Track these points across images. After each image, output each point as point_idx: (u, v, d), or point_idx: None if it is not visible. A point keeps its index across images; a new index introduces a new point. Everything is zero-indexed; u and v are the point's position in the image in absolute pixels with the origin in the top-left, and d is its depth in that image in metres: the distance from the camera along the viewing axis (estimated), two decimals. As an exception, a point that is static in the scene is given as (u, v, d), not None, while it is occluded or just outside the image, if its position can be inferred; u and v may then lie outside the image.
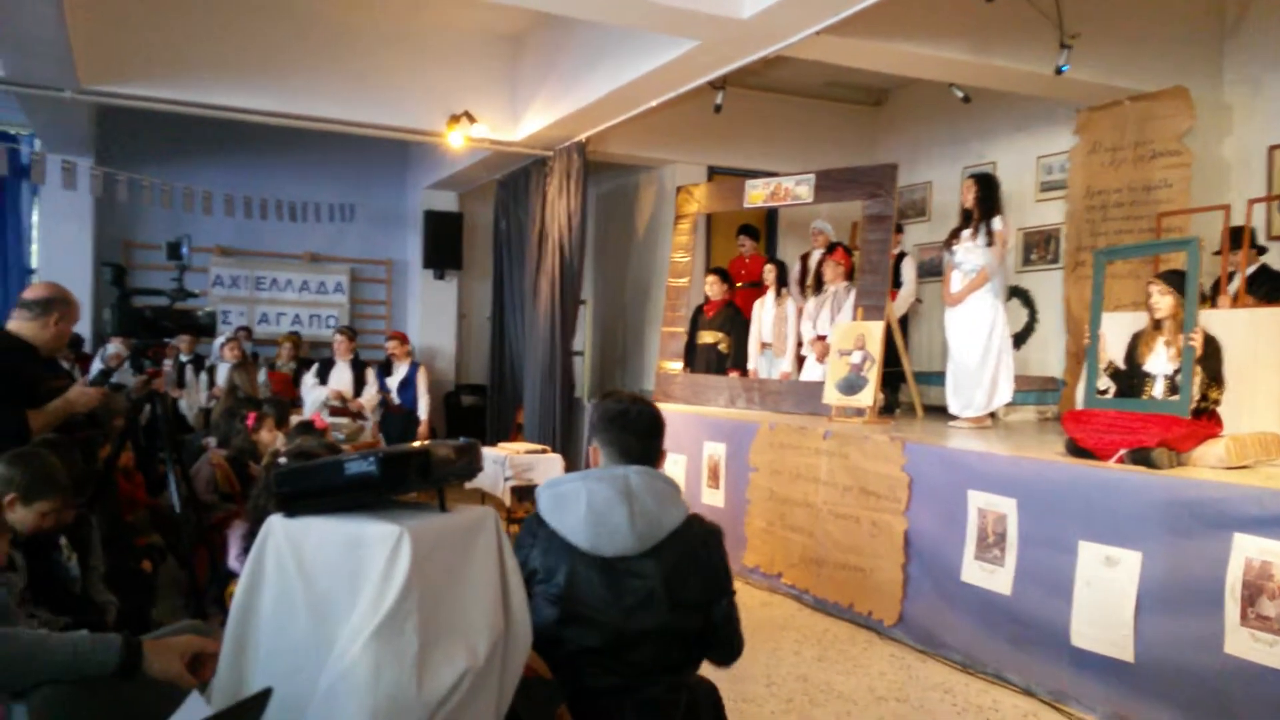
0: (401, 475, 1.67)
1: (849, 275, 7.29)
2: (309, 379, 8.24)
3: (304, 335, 10.19)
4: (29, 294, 3.89)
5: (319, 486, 1.67)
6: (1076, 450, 4.41)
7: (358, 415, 8.04)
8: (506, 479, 6.85)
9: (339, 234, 10.91)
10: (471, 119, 8.09)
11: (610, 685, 2.08)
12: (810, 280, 8.01)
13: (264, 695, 1.31)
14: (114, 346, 7.82)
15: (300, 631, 1.61)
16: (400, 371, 8.56)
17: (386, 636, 1.52)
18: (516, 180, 9.74)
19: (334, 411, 7.83)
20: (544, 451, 7.25)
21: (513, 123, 8.47)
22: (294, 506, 1.68)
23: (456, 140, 8.18)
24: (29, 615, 2.74)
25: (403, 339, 8.74)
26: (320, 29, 7.82)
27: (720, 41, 5.72)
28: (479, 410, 10.73)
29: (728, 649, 2.33)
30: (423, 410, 8.49)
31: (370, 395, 8.29)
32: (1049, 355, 8.18)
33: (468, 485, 6.57)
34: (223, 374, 8.10)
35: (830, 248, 7.62)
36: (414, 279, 11.40)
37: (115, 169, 8.31)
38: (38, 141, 9.19)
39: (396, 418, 8.37)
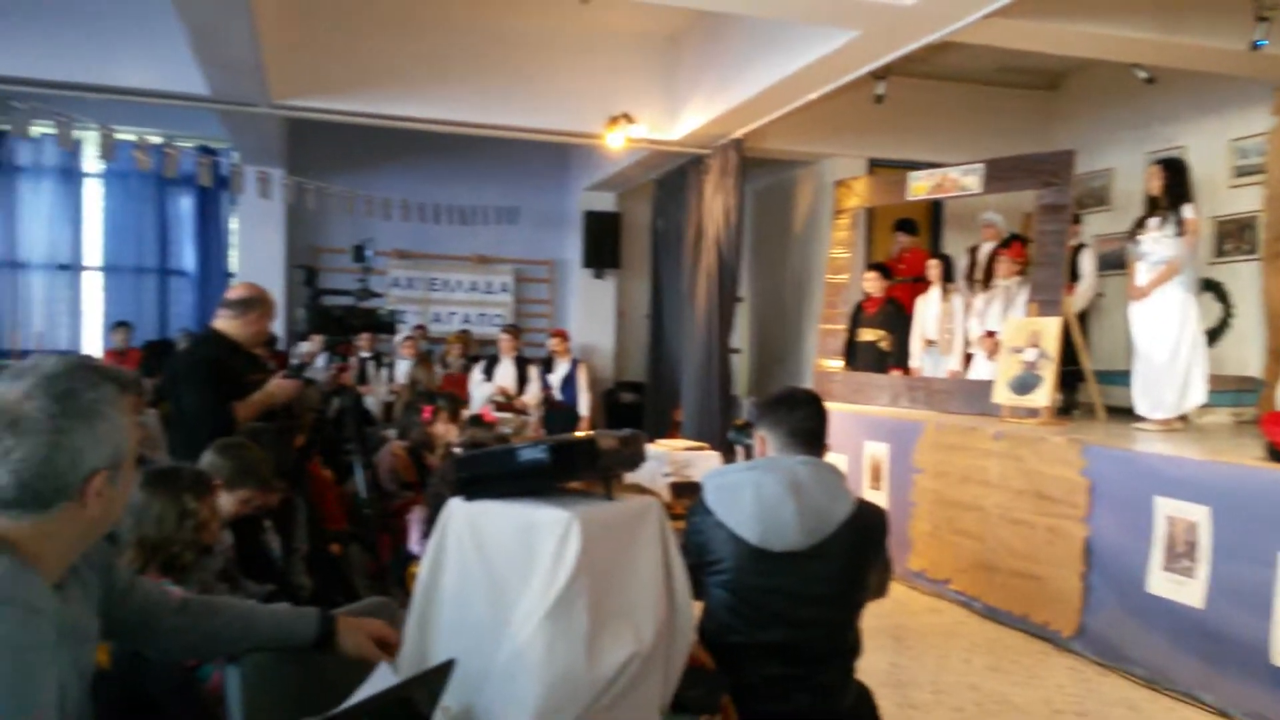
0: (570, 463, 1.73)
1: (1023, 271, 6.98)
2: (476, 376, 8.60)
3: (473, 334, 10.63)
4: (231, 294, 4.22)
5: (494, 471, 1.75)
6: (1278, 455, 4.07)
7: (521, 412, 8.32)
8: (665, 475, 6.92)
9: (504, 236, 11.30)
10: (630, 120, 8.21)
11: (779, 675, 2.09)
12: (979, 274, 7.70)
13: (447, 666, 1.39)
14: (307, 345, 8.43)
15: (479, 609, 1.69)
16: (561, 369, 8.80)
17: (558, 617, 1.58)
18: (673, 179, 9.82)
19: (499, 407, 8.14)
20: (702, 449, 7.28)
21: (670, 122, 8.54)
22: (472, 490, 1.77)
23: (616, 141, 8.33)
24: (233, 589, 2.98)
25: (564, 336, 8.98)
26: (486, 39, 8.13)
27: (881, 30, 5.58)
28: (637, 408, 10.88)
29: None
30: (584, 406, 8.70)
31: (533, 392, 8.56)
32: (1246, 353, 7.55)
33: (627, 480, 6.68)
34: (401, 370, 8.56)
35: (1005, 242, 7.31)
36: (574, 278, 11.68)
37: (304, 178, 8.91)
38: (236, 154, 9.97)
39: (559, 414, 8.61)
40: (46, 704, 1.33)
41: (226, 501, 3.13)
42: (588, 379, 8.94)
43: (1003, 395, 6.14)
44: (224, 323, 4.12)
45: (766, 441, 2.31)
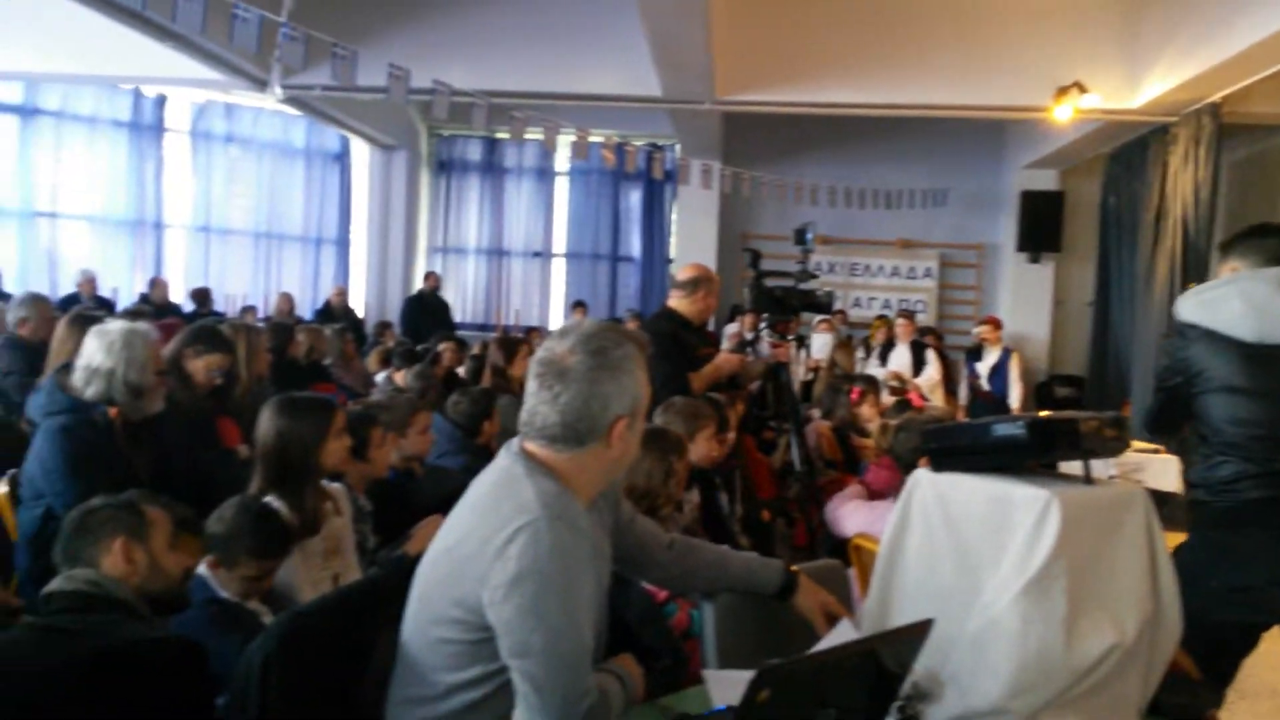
0: (1049, 442, 1.69)
1: None
2: (871, 360, 8.55)
3: (893, 320, 10.51)
4: (681, 275, 4.62)
5: (966, 445, 1.76)
6: None
7: (923, 398, 8.10)
8: (1111, 478, 6.33)
9: (930, 219, 11.00)
10: (1082, 89, 7.57)
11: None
12: None
13: (925, 625, 1.44)
14: (733, 325, 8.93)
15: (945, 576, 1.72)
16: (991, 357, 8.40)
17: (1035, 595, 1.56)
18: (1130, 152, 8.87)
19: (892, 392, 7.98)
20: (1156, 452, 6.54)
21: (1129, 89, 7.73)
22: (941, 462, 1.80)
23: (1064, 114, 7.72)
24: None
25: (995, 324, 8.56)
26: (920, 16, 7.96)
27: None
28: (1074, 403, 10.05)
29: None
30: (1014, 398, 8.23)
31: (928, 376, 8.31)
32: None
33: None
34: (815, 348, 8.73)
35: None
36: (1006, 263, 11.05)
37: (738, 168, 9.41)
38: (678, 149, 10.79)
39: (985, 405, 8.23)
40: (586, 606, 1.60)
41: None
42: (1019, 369, 8.44)
43: None
44: (676, 301, 4.52)
45: (1238, 270, 2.47)
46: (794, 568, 2.14)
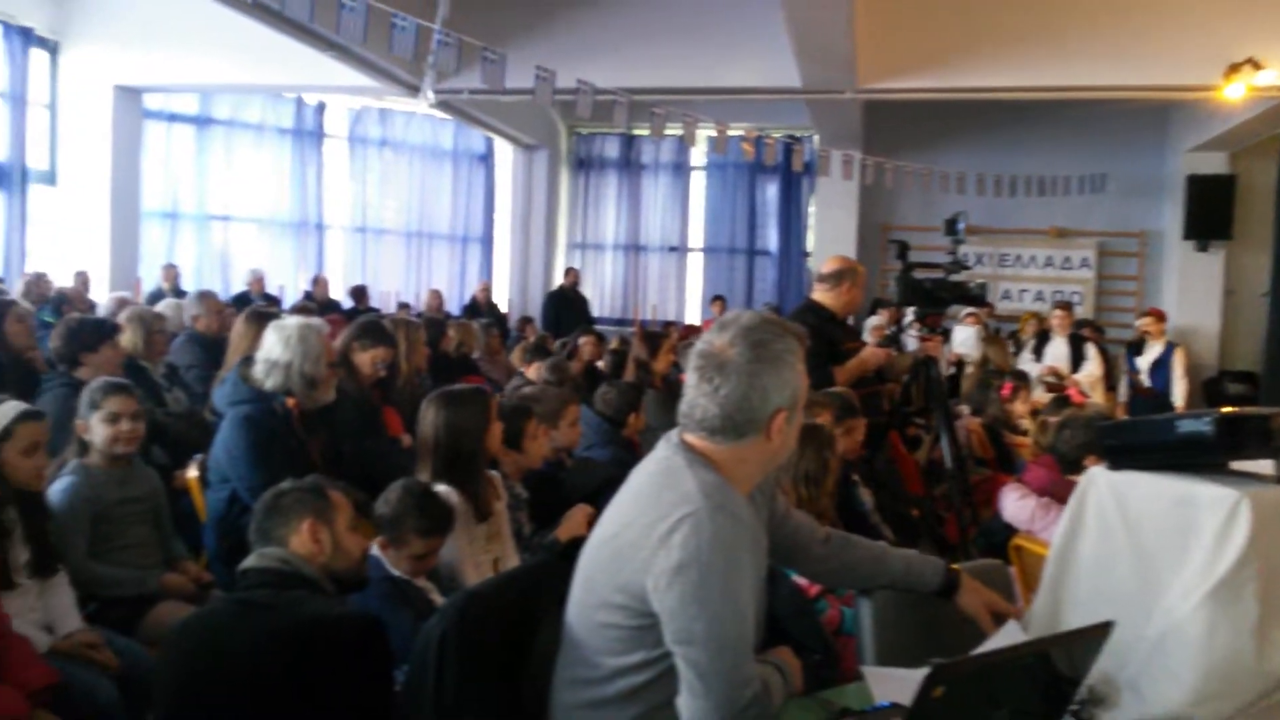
0: (1238, 439, 1.60)
1: None
2: (1025, 355, 8.18)
3: (1044, 313, 10.06)
4: (825, 268, 4.56)
5: (1147, 443, 1.68)
6: None
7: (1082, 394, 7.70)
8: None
9: (1086, 206, 10.47)
10: (1256, 65, 7.05)
11: None
12: None
13: (1104, 628, 1.39)
14: (875, 319, 8.75)
15: (1122, 578, 1.65)
16: (1153, 351, 7.93)
17: (1223, 599, 1.48)
18: (1313, 131, 8.21)
19: (1049, 388, 7.61)
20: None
21: (1313, 62, 7.15)
22: (1118, 460, 1.73)
23: (1235, 92, 7.21)
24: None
25: (1159, 316, 8.08)
26: (1083, -4, 7.59)
27: None
28: (1247, 400, 9.36)
29: None
30: (1178, 395, 7.75)
31: (1088, 372, 7.89)
32: None
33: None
34: (957, 341, 8.42)
35: None
36: (1170, 252, 10.41)
37: (879, 157, 9.20)
38: (816, 139, 10.63)
39: (1146, 402, 7.78)
40: (747, 597, 1.62)
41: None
42: (1184, 365, 7.93)
43: None
44: (820, 294, 4.47)
45: None
46: (955, 566, 2.10)
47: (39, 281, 7.19)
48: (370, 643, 1.91)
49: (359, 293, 10.48)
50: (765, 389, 1.68)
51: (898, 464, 5.01)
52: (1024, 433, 5.30)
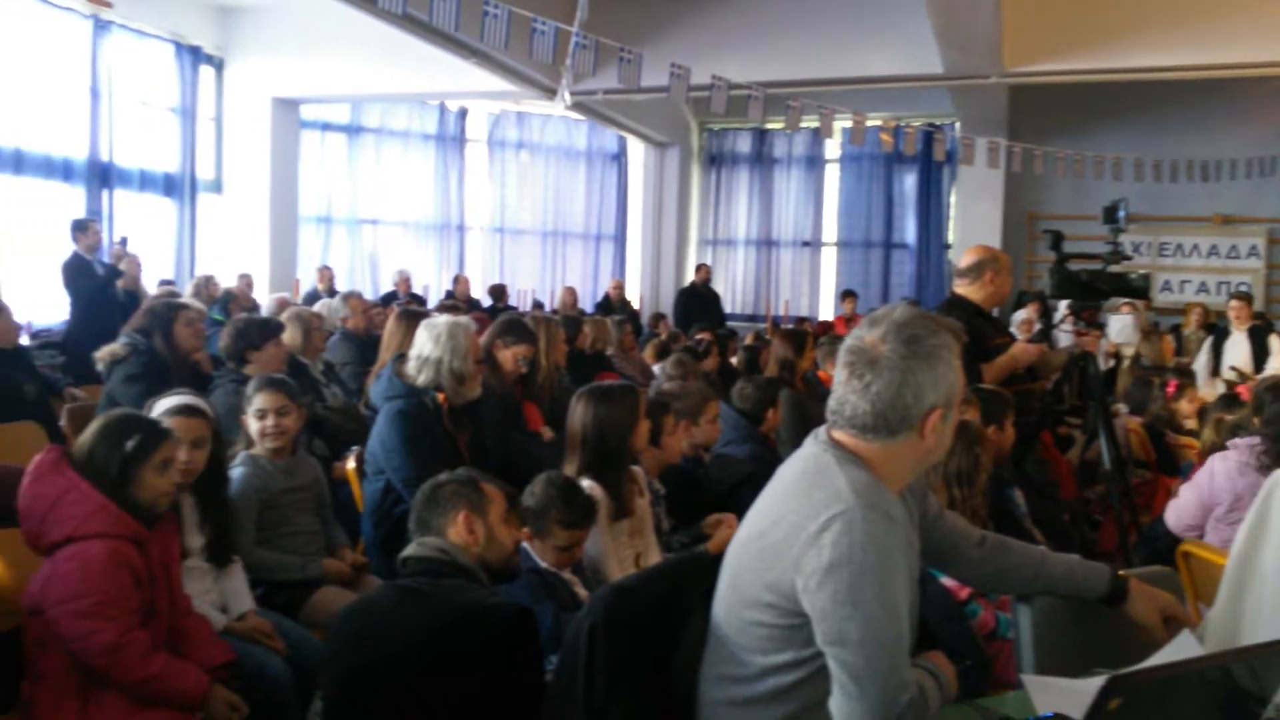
0: None
1: None
2: (1202, 353, 7.64)
3: (1209, 304, 9.42)
4: (963, 261, 4.38)
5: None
6: None
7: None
8: None
9: (1255, 192, 9.76)
10: None
11: None
12: None
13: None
14: (1023, 313, 8.39)
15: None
16: (1334, 345, 7.31)
17: None
18: None
19: (1231, 386, 7.09)
20: None
21: None
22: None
23: None
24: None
25: (1340, 308, 7.44)
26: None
27: None
28: None
29: None
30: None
31: (1276, 368, 7.29)
32: None
33: None
34: (1114, 331, 7.96)
35: None
36: (1354, 237, 9.59)
37: (1027, 144, 8.81)
38: (958, 126, 10.27)
39: (1328, 399, 7.17)
40: (901, 599, 1.59)
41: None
42: (1369, 359, 7.28)
43: None
44: (963, 288, 4.31)
45: None
46: (1122, 572, 1.99)
47: (207, 284, 7.71)
48: (523, 632, 1.96)
49: (497, 291, 10.79)
50: (919, 386, 1.63)
51: (1050, 465, 4.80)
52: (1190, 433, 4.97)
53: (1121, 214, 4.16)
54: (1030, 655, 2.02)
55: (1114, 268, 4.16)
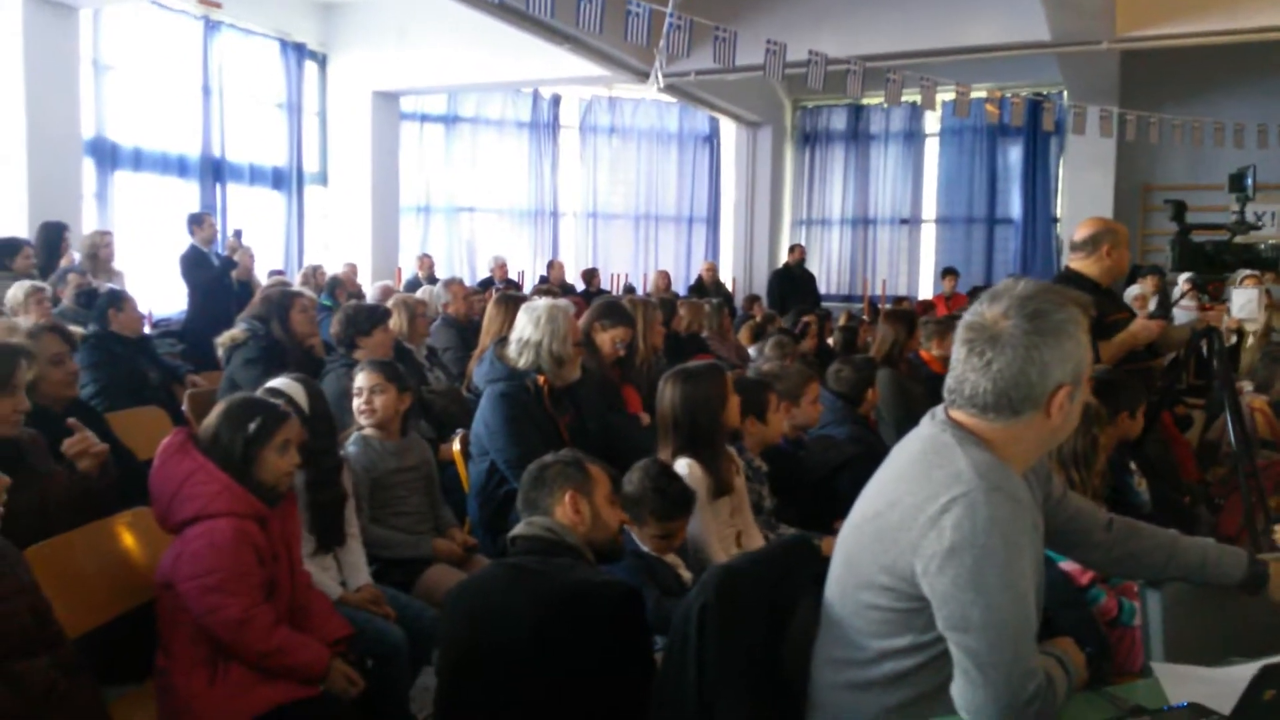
0: None
1: None
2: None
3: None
4: (1077, 235, 4.18)
5: None
6: None
7: None
8: None
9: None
10: None
11: None
12: None
13: None
14: (1136, 288, 8.02)
15: None
16: None
17: None
18: None
19: None
20: None
21: None
22: None
23: None
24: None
25: None
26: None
27: None
28: None
29: None
30: None
31: None
32: None
33: None
34: (1237, 306, 7.53)
35: None
36: None
37: (1141, 111, 8.40)
38: (1065, 95, 9.84)
39: None
40: (1027, 583, 1.53)
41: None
42: None
43: None
44: (1077, 262, 4.12)
45: None
46: (1261, 556, 1.88)
47: (315, 274, 7.97)
48: (631, 611, 1.96)
49: (590, 275, 10.85)
50: (1045, 363, 1.56)
51: (1170, 446, 4.58)
52: (1326, 414, 4.68)
53: (1249, 181, 3.92)
54: (1160, 643, 1.93)
55: (1240, 238, 3.93)
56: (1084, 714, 1.58)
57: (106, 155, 7.99)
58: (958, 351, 1.65)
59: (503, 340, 3.63)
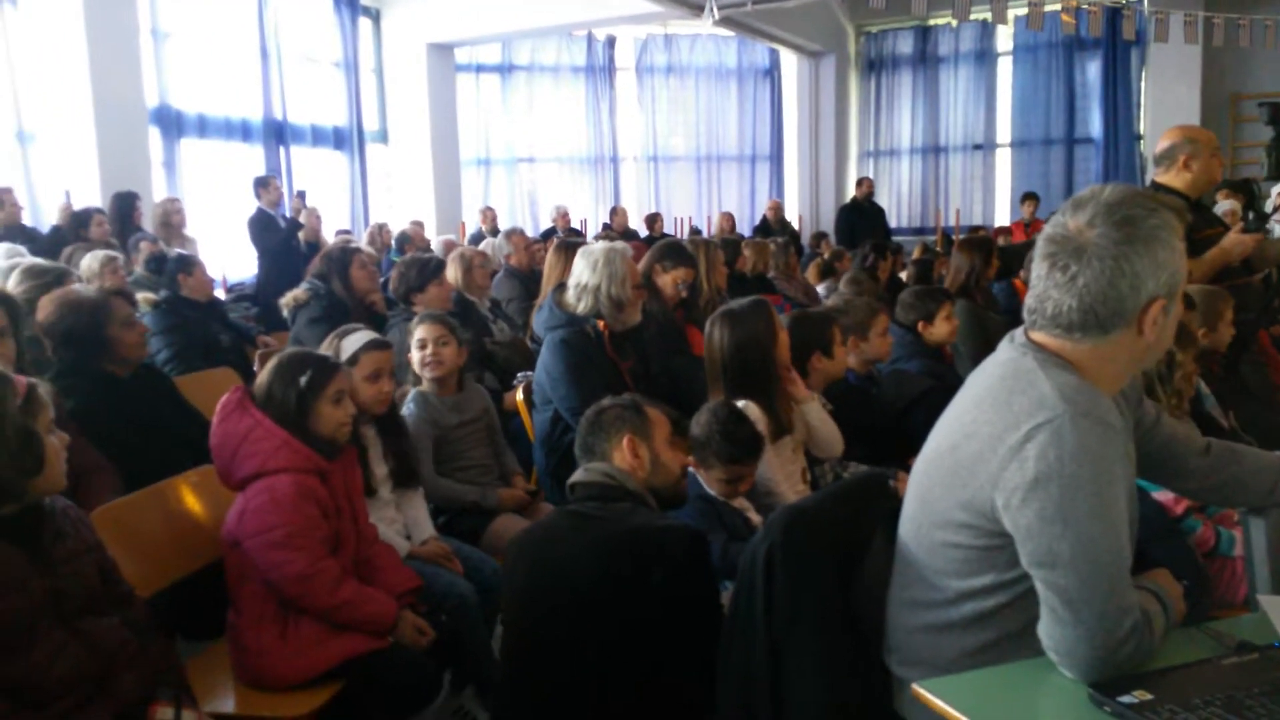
0: None
1: None
2: None
3: None
4: (1159, 146, 3.93)
5: None
6: None
7: None
8: None
9: None
10: None
11: None
12: None
13: None
14: (1228, 203, 7.56)
15: None
16: None
17: None
18: None
19: None
20: None
21: None
22: None
23: None
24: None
25: None
26: None
27: None
28: None
29: None
30: None
31: None
32: None
33: None
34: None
35: None
36: None
37: (1229, 14, 7.84)
38: (1145, 2, 9.26)
39: None
40: (1121, 514, 1.41)
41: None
42: None
43: None
44: (1161, 176, 3.88)
45: None
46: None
47: (380, 231, 8.01)
48: (695, 554, 1.90)
49: (652, 220, 10.71)
50: (1137, 274, 1.42)
51: (1268, 368, 4.32)
52: None
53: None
54: (1266, 574, 1.80)
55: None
56: (1183, 650, 1.46)
57: (171, 123, 8.09)
58: (1038, 267, 1.51)
59: (561, 286, 3.56)
